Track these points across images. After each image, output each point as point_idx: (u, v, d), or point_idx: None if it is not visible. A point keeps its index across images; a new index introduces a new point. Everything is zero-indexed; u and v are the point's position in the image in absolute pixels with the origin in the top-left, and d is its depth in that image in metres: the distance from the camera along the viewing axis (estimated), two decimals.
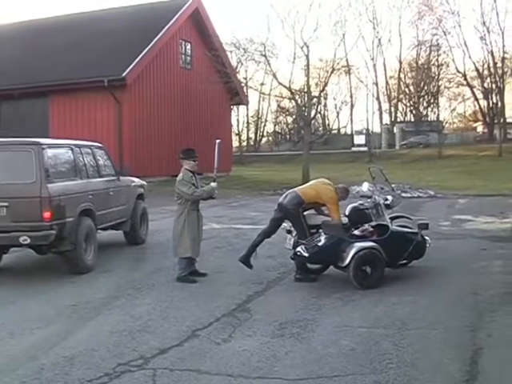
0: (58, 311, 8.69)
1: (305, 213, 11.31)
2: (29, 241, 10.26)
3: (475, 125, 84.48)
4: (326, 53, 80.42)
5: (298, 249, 10.16)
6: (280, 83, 39.74)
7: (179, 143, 33.61)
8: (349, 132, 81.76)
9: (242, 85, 44.81)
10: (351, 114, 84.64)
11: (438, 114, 77.96)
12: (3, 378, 6.23)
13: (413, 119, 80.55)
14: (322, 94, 51.64)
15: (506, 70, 69.35)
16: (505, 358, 6.60)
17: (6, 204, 10.22)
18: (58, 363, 6.57)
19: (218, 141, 12.00)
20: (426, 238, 10.65)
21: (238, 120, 77.66)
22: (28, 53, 32.92)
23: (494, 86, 71.40)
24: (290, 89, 38.57)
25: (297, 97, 41.54)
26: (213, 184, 11.41)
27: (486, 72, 72.34)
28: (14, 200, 10.23)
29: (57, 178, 10.75)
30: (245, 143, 79.20)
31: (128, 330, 7.74)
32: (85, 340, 7.38)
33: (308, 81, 40.02)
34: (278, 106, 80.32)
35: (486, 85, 73.04)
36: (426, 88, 78.81)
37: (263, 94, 63.32)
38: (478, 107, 77.82)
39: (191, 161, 11.32)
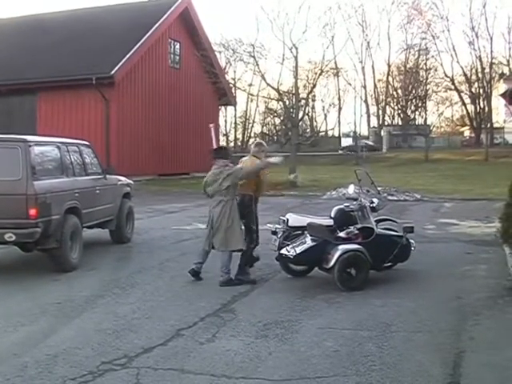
0: (42, 309, 8.67)
1: (288, 214, 11.36)
2: (14, 238, 10.25)
3: (462, 129, 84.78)
4: (314, 55, 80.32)
5: (283, 250, 10.18)
6: (268, 84, 39.82)
7: (166, 142, 33.72)
8: (336, 134, 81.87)
9: (231, 85, 44.83)
10: (339, 117, 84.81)
11: (426, 118, 78.36)
12: None
13: (400, 123, 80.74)
14: (310, 96, 51.74)
15: (493, 75, 69.72)
16: (487, 361, 6.63)
17: None
18: (42, 361, 6.55)
19: (211, 125, 12.08)
20: (411, 241, 10.70)
21: (225, 121, 77.82)
22: (16, 49, 32.81)
23: (481, 90, 71.72)
24: (278, 90, 38.60)
25: (285, 98, 41.59)
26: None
27: (473, 77, 72.67)
28: (0, 197, 10.20)
29: (43, 175, 10.73)
30: (232, 144, 79.07)
31: (112, 328, 7.73)
32: (69, 338, 7.36)
33: (296, 82, 40.05)
34: (266, 107, 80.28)
35: (473, 90, 73.35)
36: (414, 92, 79.06)
37: (251, 94, 63.47)
38: (465, 112, 78.15)
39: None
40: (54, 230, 10.69)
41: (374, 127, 77.44)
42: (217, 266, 10.48)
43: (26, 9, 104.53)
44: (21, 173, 10.28)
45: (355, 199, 11.34)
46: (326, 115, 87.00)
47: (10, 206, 10.25)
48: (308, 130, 78.32)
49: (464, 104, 76.22)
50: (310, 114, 79.85)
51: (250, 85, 68.60)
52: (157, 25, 32.96)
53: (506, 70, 69.70)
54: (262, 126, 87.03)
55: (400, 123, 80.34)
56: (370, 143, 70.00)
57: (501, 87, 59.36)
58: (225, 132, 75.82)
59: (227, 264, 10.30)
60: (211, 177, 10.58)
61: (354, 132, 71.12)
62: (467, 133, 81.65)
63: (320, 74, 43.64)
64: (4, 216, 10.20)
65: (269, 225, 11.74)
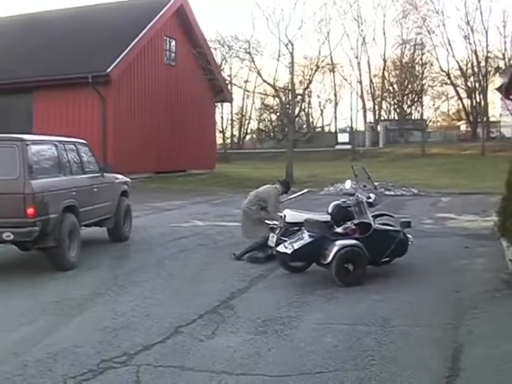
0: (41, 308, 8.68)
1: (285, 210, 11.49)
2: (12, 237, 10.25)
3: (459, 123, 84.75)
4: (310, 50, 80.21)
5: (281, 246, 10.20)
6: (264, 81, 39.77)
7: (163, 140, 33.71)
8: (333, 130, 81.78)
9: (227, 82, 44.73)
10: (335, 112, 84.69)
11: (422, 113, 78.43)
12: None
13: (397, 117, 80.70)
14: (306, 92, 51.63)
15: (489, 69, 69.72)
16: (486, 354, 6.67)
17: None
18: (42, 359, 6.57)
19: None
20: (409, 235, 10.71)
21: (222, 117, 77.59)
22: (12, 48, 32.72)
23: (477, 84, 71.75)
24: (274, 86, 38.59)
25: (281, 94, 41.57)
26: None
27: (469, 71, 72.68)
28: None
29: (40, 174, 10.73)
30: (229, 140, 79.00)
31: (112, 326, 7.75)
32: (68, 336, 7.38)
33: (292, 78, 40.03)
34: (262, 103, 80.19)
35: (469, 84, 73.39)
36: (410, 86, 79.04)
37: (247, 91, 63.32)
38: (461, 106, 78.18)
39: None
40: (51, 228, 10.68)
41: (370, 122, 77.32)
42: (215, 262, 10.48)
43: (21, 7, 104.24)
44: (18, 172, 10.28)
45: (352, 194, 11.37)
46: (322, 111, 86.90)
47: (7, 205, 10.25)
48: (304, 126, 78.17)
49: (460, 98, 76.32)
50: (306, 110, 79.80)
51: (246, 81, 68.56)
52: (152, 22, 32.90)
53: (501, 64, 69.67)
54: (259, 123, 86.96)
55: (396, 118, 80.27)
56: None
57: (497, 81, 59.37)
58: (221, 129, 75.74)
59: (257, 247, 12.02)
60: None
61: (351, 127, 71.05)
62: (463, 127, 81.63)
63: (316, 70, 43.53)
64: (2, 215, 10.19)
65: (266, 221, 11.74)
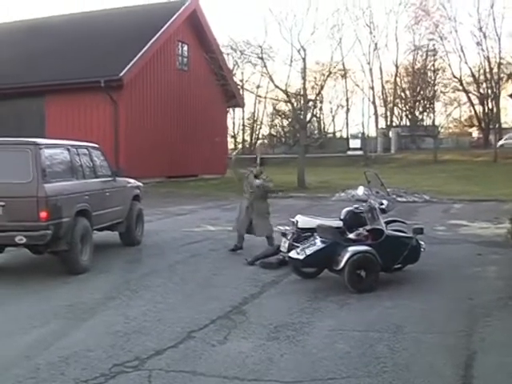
0: (53, 311, 8.70)
1: (297, 216, 11.53)
2: (25, 240, 10.28)
3: (471, 130, 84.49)
4: (322, 56, 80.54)
5: (293, 252, 10.19)
6: (276, 86, 39.73)
7: (175, 144, 33.76)
8: (344, 136, 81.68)
9: (239, 87, 44.76)
10: (347, 118, 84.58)
11: (434, 119, 78.04)
12: None
13: (408, 124, 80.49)
14: (317, 98, 51.54)
15: (501, 75, 69.39)
16: (499, 362, 6.63)
17: (2, 203, 10.24)
18: (54, 363, 6.58)
19: (217, 139, 14.48)
20: (421, 242, 10.67)
21: (233, 122, 77.73)
22: (24, 53, 32.83)
23: (489, 91, 71.43)
24: (286, 92, 38.57)
25: (293, 100, 41.53)
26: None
27: (482, 77, 72.36)
28: (11, 199, 10.25)
29: (53, 178, 10.76)
30: (240, 145, 79.02)
31: (123, 331, 7.76)
32: (80, 340, 7.39)
33: (304, 84, 40.06)
34: (274, 108, 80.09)
35: (481, 90, 73.07)
36: (421, 93, 78.78)
37: (259, 96, 63.20)
38: (473, 112, 77.83)
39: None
40: (64, 232, 10.71)
41: (382, 128, 77.13)
42: (227, 267, 10.47)
43: (34, 11, 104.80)
44: (31, 175, 10.31)
45: (365, 201, 11.35)
46: (333, 117, 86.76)
47: (20, 208, 10.28)
48: (316, 132, 78.19)
49: (472, 105, 75.94)
50: (318, 116, 79.73)
51: (258, 86, 68.61)
52: (165, 27, 32.96)
53: None
54: (270, 128, 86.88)
55: (408, 124, 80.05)
56: None
57: (509, 87, 59.28)
58: (233, 134, 75.75)
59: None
60: None
61: (362, 133, 70.94)
62: (475, 133, 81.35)
63: (328, 76, 43.63)
64: (15, 218, 10.24)
65: (279, 227, 11.76)
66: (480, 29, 67.70)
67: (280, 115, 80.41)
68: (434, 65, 76.27)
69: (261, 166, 13.35)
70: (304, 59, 36.66)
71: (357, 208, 11.36)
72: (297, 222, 11.51)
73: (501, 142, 57.72)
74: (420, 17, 72.87)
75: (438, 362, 6.61)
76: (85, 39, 32.91)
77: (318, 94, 47.91)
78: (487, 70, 69.82)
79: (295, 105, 41.73)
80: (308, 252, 9.84)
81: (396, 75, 78.89)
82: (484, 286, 10.24)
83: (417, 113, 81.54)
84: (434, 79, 76.29)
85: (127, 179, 14.64)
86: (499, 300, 9.21)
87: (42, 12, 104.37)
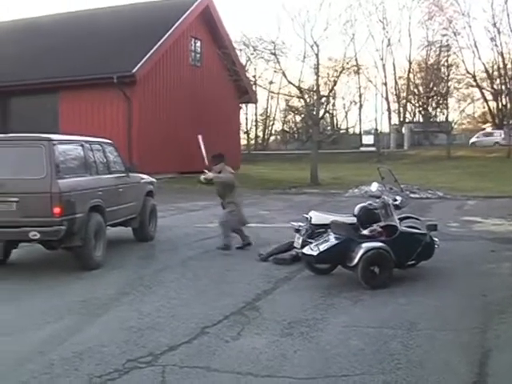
0: (67, 307, 8.72)
1: (311, 212, 11.51)
2: (38, 236, 10.31)
3: (484, 126, 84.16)
4: (335, 52, 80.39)
5: (306, 248, 10.17)
6: (289, 82, 39.65)
7: (187, 140, 33.71)
8: (357, 132, 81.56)
9: (251, 83, 44.75)
10: (360, 114, 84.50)
11: (447, 115, 77.84)
12: (13, 372, 6.26)
13: (422, 120, 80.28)
14: (330, 94, 51.51)
15: None
16: None
17: (16, 199, 10.28)
18: (68, 358, 6.59)
19: (199, 136, 14.67)
20: (435, 239, 10.62)
21: (246, 118, 77.68)
22: (38, 49, 32.99)
23: (503, 87, 71.09)
24: (299, 88, 38.52)
25: (306, 96, 41.52)
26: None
27: (495, 73, 72.02)
28: (25, 195, 10.28)
29: (67, 173, 10.79)
30: (253, 141, 79.06)
31: (137, 326, 7.76)
32: (94, 336, 7.40)
33: (317, 80, 40.02)
34: (287, 104, 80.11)
35: (495, 86, 72.73)
36: (435, 89, 78.47)
37: (272, 92, 63.20)
38: (487, 108, 77.57)
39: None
40: (78, 228, 10.73)
41: (395, 124, 76.95)
42: (240, 263, 10.47)
43: (47, 8, 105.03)
44: (45, 171, 10.33)
45: (378, 197, 11.32)
46: (346, 112, 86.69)
47: (34, 204, 10.30)
48: (329, 128, 78.18)
49: (486, 101, 75.68)
50: (330, 112, 79.65)
51: (271, 82, 68.54)
52: (178, 23, 32.99)
53: None
54: (283, 124, 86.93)
55: (421, 120, 79.85)
56: None
57: None
58: (245, 130, 75.79)
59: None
60: None
61: (375, 129, 70.84)
62: (489, 130, 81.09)
63: (341, 72, 43.51)
64: (29, 214, 10.26)
65: (292, 223, 11.74)
66: (494, 24, 67.39)
67: (293, 111, 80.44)
68: (447, 60, 76.04)
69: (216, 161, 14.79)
70: (317, 55, 36.67)
71: (370, 204, 11.34)
72: (310, 218, 11.51)
73: (472, 140, 58.15)
74: (433, 12, 72.67)
75: (453, 359, 6.58)
76: (98, 35, 32.98)
77: (330, 90, 47.82)
78: (501, 65, 69.48)
79: (308, 101, 41.75)
80: (322, 248, 9.83)
81: (409, 71, 78.68)
82: (498, 282, 10.19)
83: (430, 109, 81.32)
84: (448, 75, 76.02)
85: (141, 175, 14.67)
86: None
87: (55, 8, 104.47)
